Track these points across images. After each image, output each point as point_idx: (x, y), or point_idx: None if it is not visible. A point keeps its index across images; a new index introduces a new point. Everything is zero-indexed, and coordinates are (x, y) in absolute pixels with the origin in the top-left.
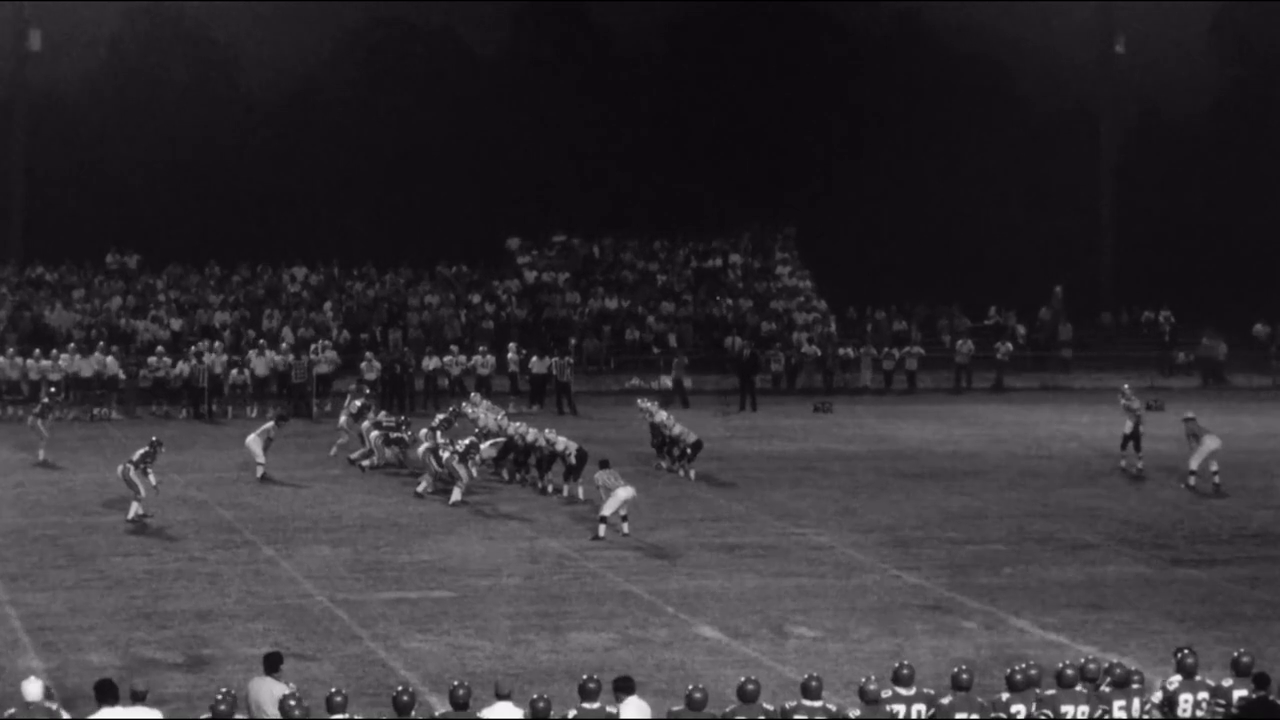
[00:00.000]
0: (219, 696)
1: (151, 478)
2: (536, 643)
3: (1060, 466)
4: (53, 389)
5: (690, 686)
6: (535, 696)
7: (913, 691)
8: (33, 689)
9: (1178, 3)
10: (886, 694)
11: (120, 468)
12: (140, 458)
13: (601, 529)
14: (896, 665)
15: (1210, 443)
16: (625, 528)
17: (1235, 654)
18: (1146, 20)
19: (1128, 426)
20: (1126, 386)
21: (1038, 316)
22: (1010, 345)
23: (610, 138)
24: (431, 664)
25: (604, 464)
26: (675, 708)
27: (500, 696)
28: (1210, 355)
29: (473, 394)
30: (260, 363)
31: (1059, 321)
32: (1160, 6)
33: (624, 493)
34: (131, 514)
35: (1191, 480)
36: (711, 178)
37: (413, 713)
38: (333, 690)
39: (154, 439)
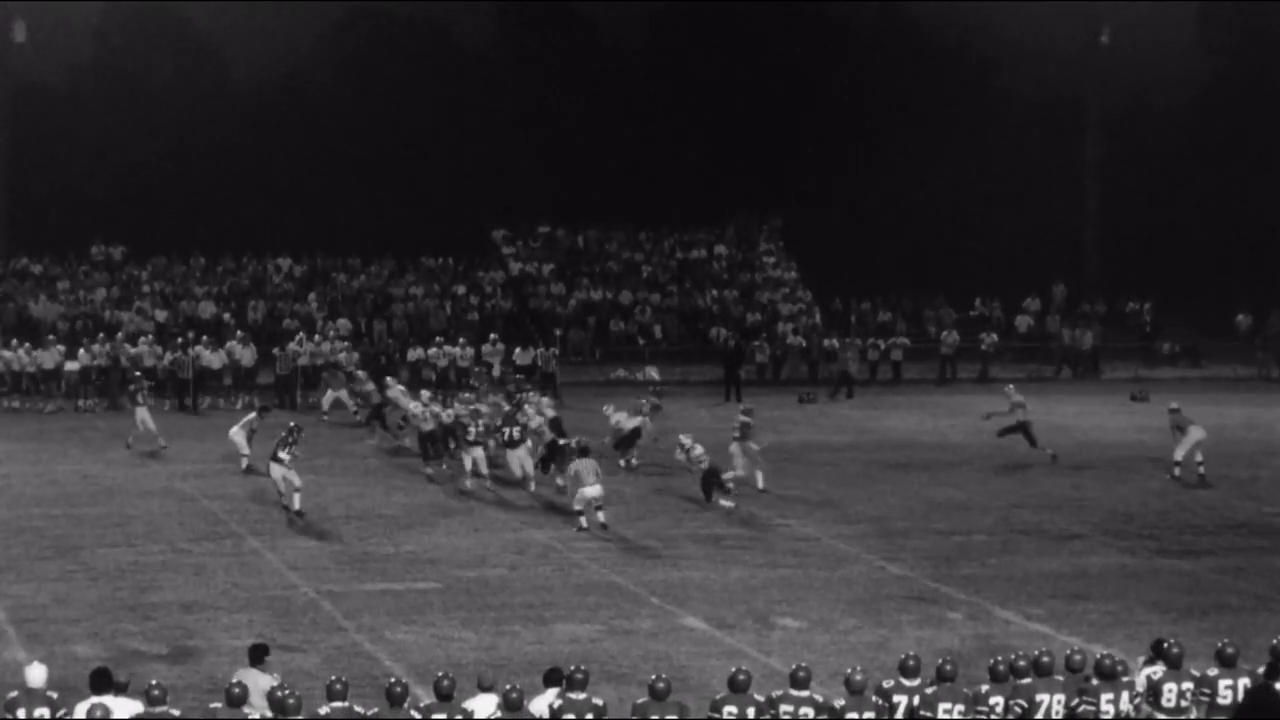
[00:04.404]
0: (233, 681)
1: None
2: (522, 634)
3: (1046, 457)
4: (137, 374)
5: (654, 677)
6: (509, 687)
7: (916, 683)
8: (36, 675)
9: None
10: (890, 684)
11: (270, 466)
12: (280, 444)
13: (582, 520)
14: (903, 656)
15: (1195, 433)
16: (601, 516)
17: (1220, 644)
18: (1132, 11)
19: (1012, 420)
20: (1010, 387)
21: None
22: (995, 336)
23: (595, 129)
24: (417, 655)
25: (584, 451)
26: (641, 699)
27: (483, 688)
28: (1076, 346)
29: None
30: (246, 354)
31: (1061, 320)
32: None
33: (590, 491)
34: (296, 505)
35: (1176, 471)
36: (696, 169)
37: (404, 704)
38: (333, 678)
39: (292, 424)
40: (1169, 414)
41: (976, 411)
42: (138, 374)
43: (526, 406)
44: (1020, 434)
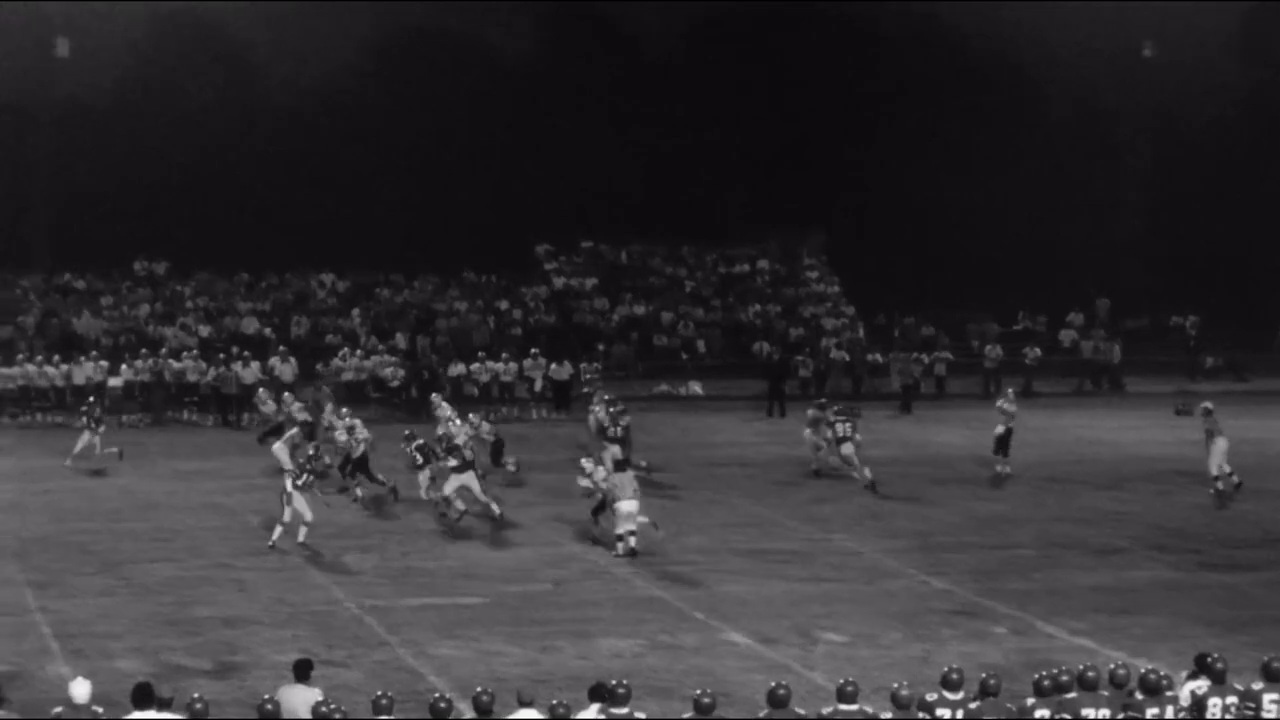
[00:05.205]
0: (266, 696)
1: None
2: (565, 649)
3: (1088, 471)
4: (91, 398)
5: (698, 691)
6: (555, 702)
7: (959, 696)
8: (80, 690)
9: (1203, 4)
10: (933, 697)
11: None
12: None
13: (620, 546)
14: (945, 670)
15: (1222, 443)
16: (632, 542)
17: (1265, 659)
18: (1174, 22)
19: (999, 429)
20: (1011, 391)
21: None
22: (1039, 350)
23: (638, 144)
24: (461, 670)
25: (621, 465)
26: (686, 714)
27: (523, 703)
28: (1102, 359)
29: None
30: (286, 369)
31: (1107, 335)
32: (1186, 8)
33: (627, 506)
34: (289, 536)
35: (1219, 485)
36: (739, 183)
37: (449, 719)
38: (379, 693)
39: (313, 449)
40: (1202, 416)
41: (1023, 426)
42: (91, 400)
43: (452, 425)
44: (1004, 441)
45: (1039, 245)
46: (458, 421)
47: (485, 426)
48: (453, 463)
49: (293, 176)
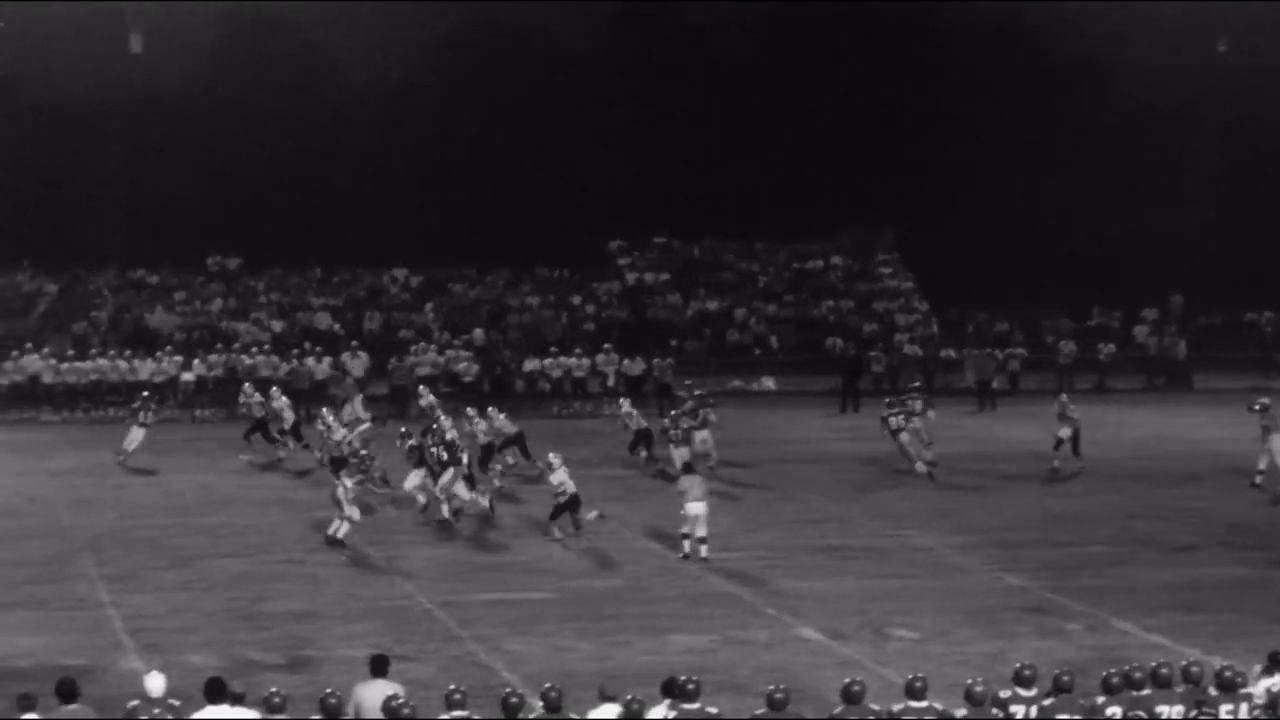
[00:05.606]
0: (329, 690)
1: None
2: (637, 644)
3: (1162, 468)
4: (145, 394)
5: (771, 687)
6: (630, 697)
7: (1033, 693)
8: (155, 684)
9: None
10: (1007, 694)
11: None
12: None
13: (686, 545)
14: (1018, 666)
15: (1276, 442)
16: (704, 550)
17: None
18: (1248, 20)
19: (1066, 432)
20: (1064, 397)
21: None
22: (1113, 346)
23: (710, 138)
24: (531, 665)
25: (689, 468)
26: (759, 710)
27: (605, 699)
28: (1168, 356)
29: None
30: (356, 364)
31: (1178, 331)
32: (1262, 5)
33: (694, 508)
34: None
35: (1258, 480)
36: (812, 178)
37: (520, 714)
38: (452, 687)
39: (364, 450)
40: (1259, 412)
41: (1095, 422)
42: (145, 395)
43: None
44: (1071, 442)
45: (1114, 241)
46: (444, 417)
47: (481, 425)
48: (444, 457)
49: (365, 172)
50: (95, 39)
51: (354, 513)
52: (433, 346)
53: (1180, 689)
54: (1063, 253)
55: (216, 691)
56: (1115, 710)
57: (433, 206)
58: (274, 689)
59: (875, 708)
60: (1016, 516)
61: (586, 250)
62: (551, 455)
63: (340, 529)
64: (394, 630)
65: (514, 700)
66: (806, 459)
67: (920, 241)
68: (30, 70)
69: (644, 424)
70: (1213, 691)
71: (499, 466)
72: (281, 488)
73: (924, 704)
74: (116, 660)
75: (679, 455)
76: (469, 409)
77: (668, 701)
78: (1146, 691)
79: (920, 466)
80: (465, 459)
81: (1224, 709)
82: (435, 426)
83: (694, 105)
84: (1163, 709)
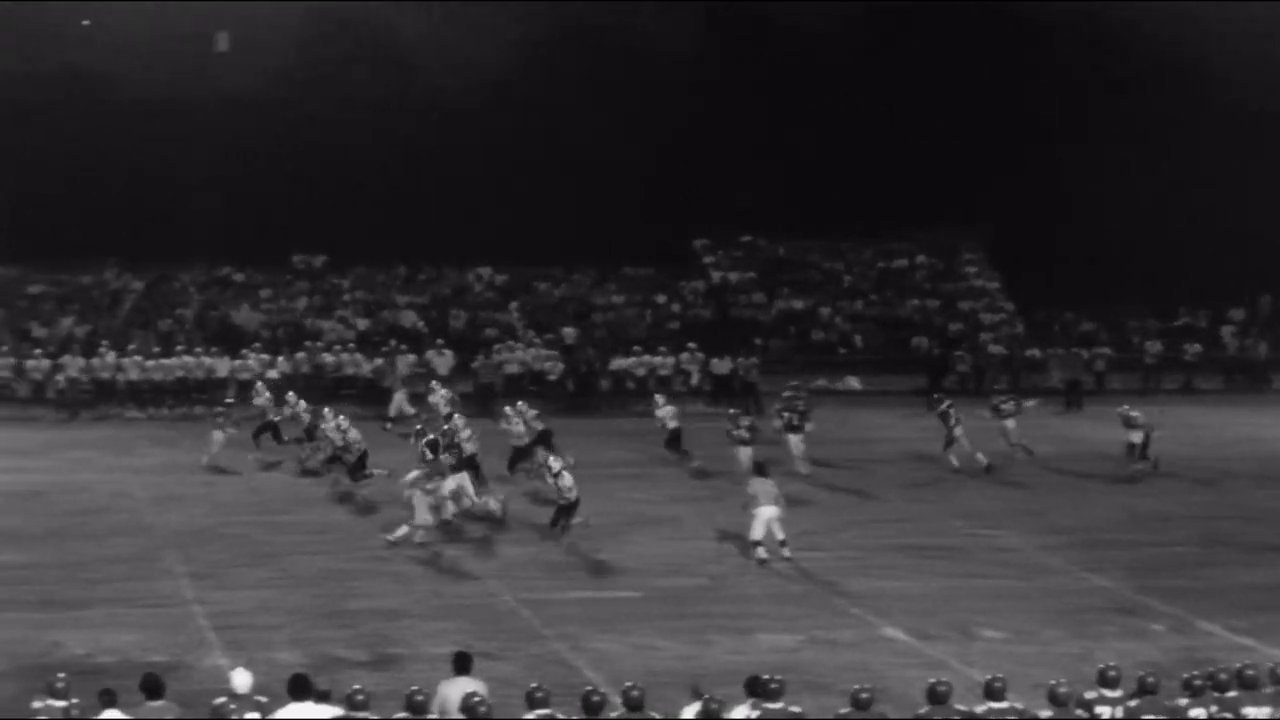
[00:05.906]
0: (414, 688)
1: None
2: (721, 643)
3: (1248, 468)
4: (229, 399)
5: (856, 686)
6: (708, 696)
7: (1118, 694)
8: (242, 680)
9: None
10: (1092, 695)
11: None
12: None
13: (760, 551)
14: (1102, 667)
15: None
16: (786, 551)
17: None
18: None
19: (1137, 437)
20: (1125, 406)
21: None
22: (1199, 346)
23: (796, 137)
24: (615, 664)
25: (761, 470)
26: (843, 710)
27: (697, 696)
28: (1248, 356)
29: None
30: (441, 362)
31: (1261, 332)
32: None
33: (766, 511)
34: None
35: None
36: (898, 177)
37: (602, 713)
38: (534, 686)
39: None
40: None
41: (1180, 423)
42: (229, 401)
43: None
44: (1141, 446)
45: (1203, 241)
46: (459, 417)
47: (520, 428)
48: (450, 460)
49: (450, 170)
50: (181, 37)
51: (427, 517)
52: (519, 345)
53: (1268, 690)
54: (1150, 252)
55: (301, 688)
56: (1200, 712)
57: (518, 204)
58: (356, 686)
59: (961, 708)
60: (1100, 516)
61: (672, 249)
62: (553, 459)
63: (412, 533)
64: (478, 628)
65: (596, 699)
66: (891, 459)
67: (1007, 241)
68: (118, 69)
69: (677, 424)
70: None
71: (531, 465)
72: (367, 485)
73: (1004, 704)
74: (201, 657)
75: (744, 455)
76: (506, 407)
77: (751, 701)
78: (1233, 693)
79: (981, 458)
80: (478, 460)
81: None
82: (447, 428)
83: (780, 104)
84: (1250, 710)
